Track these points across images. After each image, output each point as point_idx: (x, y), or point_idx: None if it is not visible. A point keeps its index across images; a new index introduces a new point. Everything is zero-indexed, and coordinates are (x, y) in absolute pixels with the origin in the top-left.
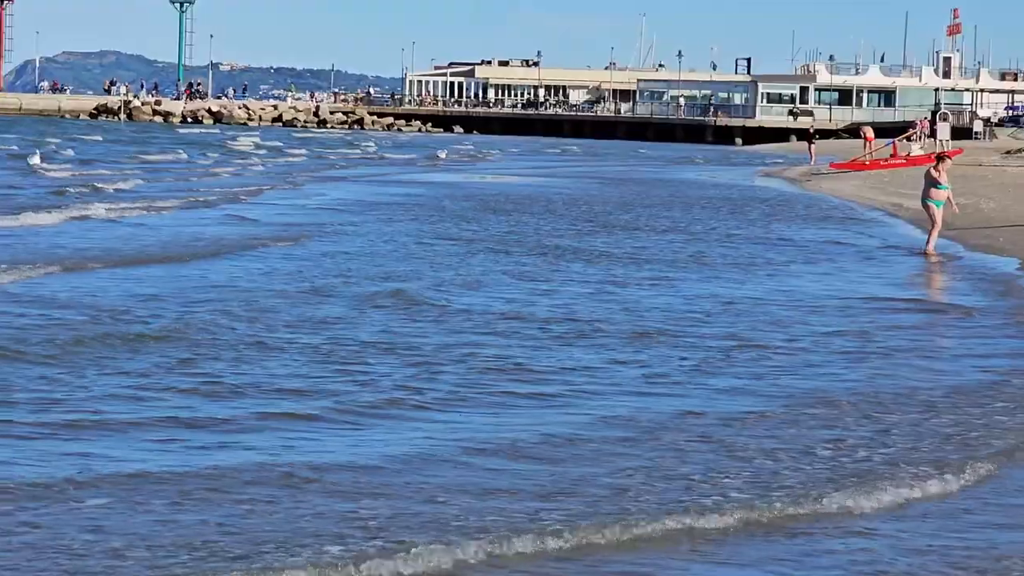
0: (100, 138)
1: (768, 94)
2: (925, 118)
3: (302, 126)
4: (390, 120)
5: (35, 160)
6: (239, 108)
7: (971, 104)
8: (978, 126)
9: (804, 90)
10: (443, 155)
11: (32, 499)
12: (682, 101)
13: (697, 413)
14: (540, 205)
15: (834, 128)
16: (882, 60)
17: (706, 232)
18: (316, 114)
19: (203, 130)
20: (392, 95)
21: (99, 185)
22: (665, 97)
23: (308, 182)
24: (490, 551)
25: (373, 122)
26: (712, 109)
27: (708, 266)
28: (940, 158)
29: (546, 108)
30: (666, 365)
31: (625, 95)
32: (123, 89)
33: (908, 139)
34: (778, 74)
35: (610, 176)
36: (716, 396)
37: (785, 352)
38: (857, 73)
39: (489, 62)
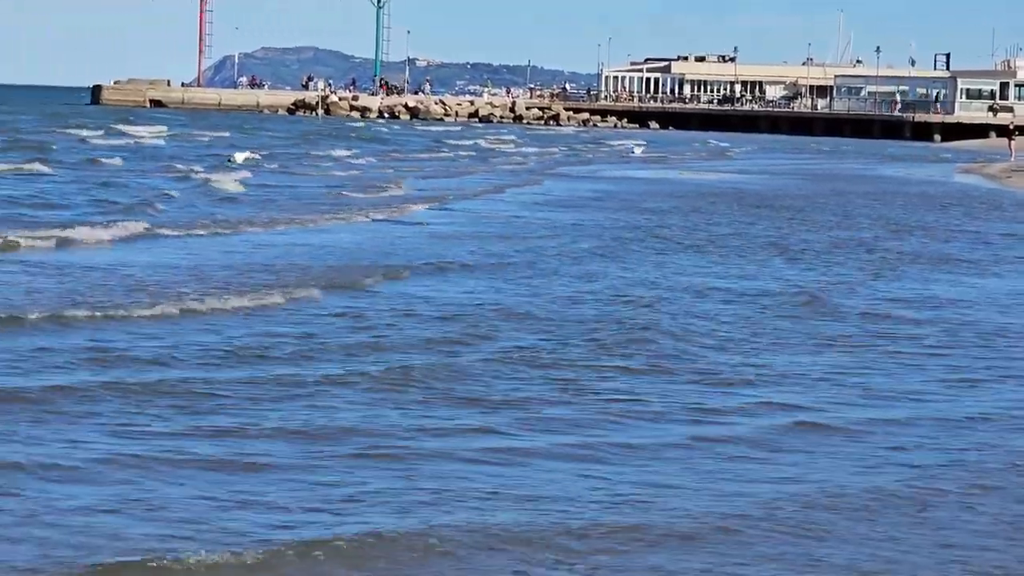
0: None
1: (967, 90)
2: None
3: (498, 122)
4: (585, 116)
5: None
6: (435, 104)
7: None
8: None
9: (1004, 86)
10: (690, 153)
11: None
12: (879, 97)
13: None
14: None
15: None
16: None
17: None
18: (512, 110)
19: (443, 128)
20: (588, 91)
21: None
22: (862, 93)
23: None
24: None
25: (568, 118)
26: (910, 105)
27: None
28: None
29: (742, 104)
30: None
31: (822, 91)
32: (320, 84)
33: None
34: (977, 69)
35: (814, 172)
36: None
37: None
38: None
39: (685, 58)
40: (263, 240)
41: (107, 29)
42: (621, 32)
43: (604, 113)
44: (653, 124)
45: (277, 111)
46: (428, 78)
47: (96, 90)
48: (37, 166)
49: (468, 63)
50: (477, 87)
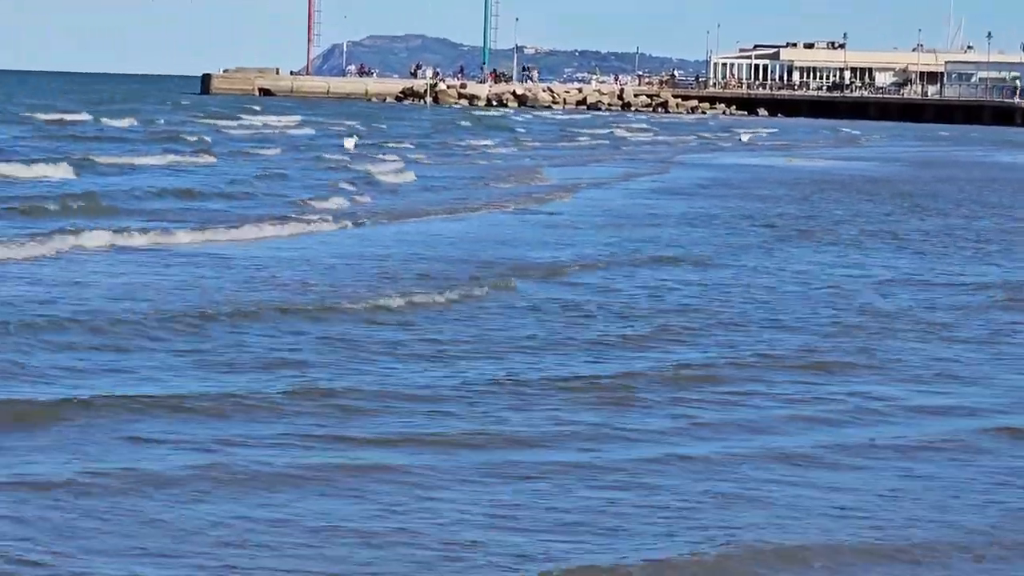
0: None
1: None
2: None
3: (606, 109)
4: (694, 103)
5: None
6: (543, 91)
7: None
8: None
9: None
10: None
11: None
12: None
13: None
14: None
15: None
16: None
17: None
18: (620, 97)
19: (572, 116)
20: (696, 78)
21: None
22: (973, 79)
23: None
24: None
25: (677, 105)
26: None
27: None
28: None
29: (851, 91)
30: None
31: (932, 77)
32: (429, 73)
33: None
34: None
35: (926, 159)
36: None
37: None
38: None
39: (794, 44)
40: (439, 229)
41: (216, 18)
42: (730, 18)
43: (712, 100)
44: (762, 111)
45: (385, 99)
46: (535, 66)
47: (205, 79)
48: (206, 157)
49: (576, 50)
50: (585, 74)
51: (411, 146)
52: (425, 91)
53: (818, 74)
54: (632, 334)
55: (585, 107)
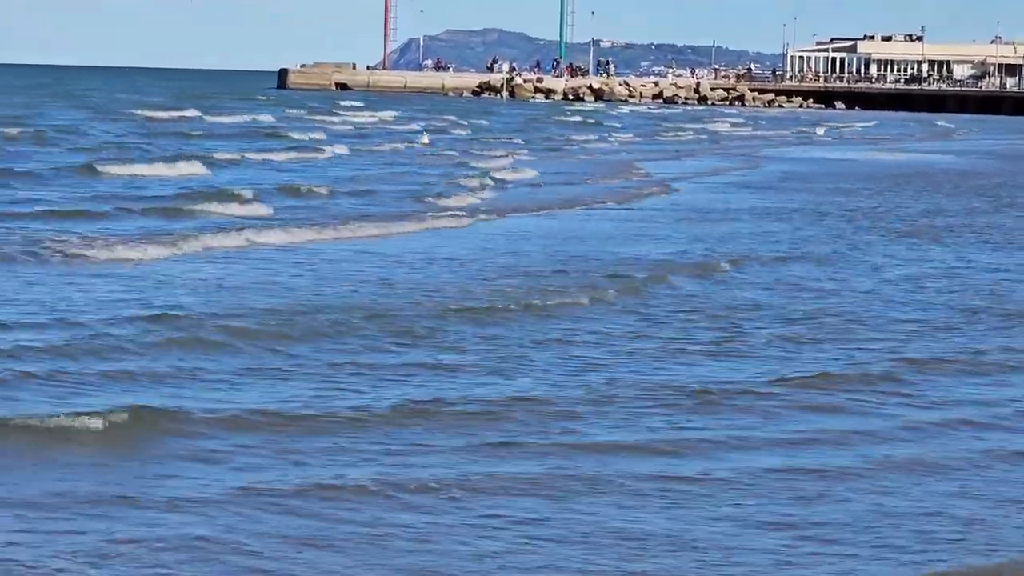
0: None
1: None
2: None
3: (682, 103)
4: (771, 96)
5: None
6: (620, 85)
7: None
8: None
9: None
10: None
11: None
12: None
13: None
14: None
15: None
16: None
17: None
18: (696, 91)
19: (668, 110)
20: (773, 71)
21: None
22: None
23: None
24: None
25: (754, 98)
26: None
27: None
28: None
29: (929, 84)
30: None
31: (1011, 69)
32: (505, 67)
33: None
34: None
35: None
36: None
37: None
38: None
39: (872, 37)
40: (571, 224)
41: (293, 13)
42: (807, 11)
43: (789, 93)
44: (839, 104)
45: (462, 94)
46: (613, 60)
47: (282, 74)
48: (323, 152)
49: (652, 44)
50: (661, 68)
51: (520, 142)
52: (501, 85)
53: (895, 67)
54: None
55: (661, 101)
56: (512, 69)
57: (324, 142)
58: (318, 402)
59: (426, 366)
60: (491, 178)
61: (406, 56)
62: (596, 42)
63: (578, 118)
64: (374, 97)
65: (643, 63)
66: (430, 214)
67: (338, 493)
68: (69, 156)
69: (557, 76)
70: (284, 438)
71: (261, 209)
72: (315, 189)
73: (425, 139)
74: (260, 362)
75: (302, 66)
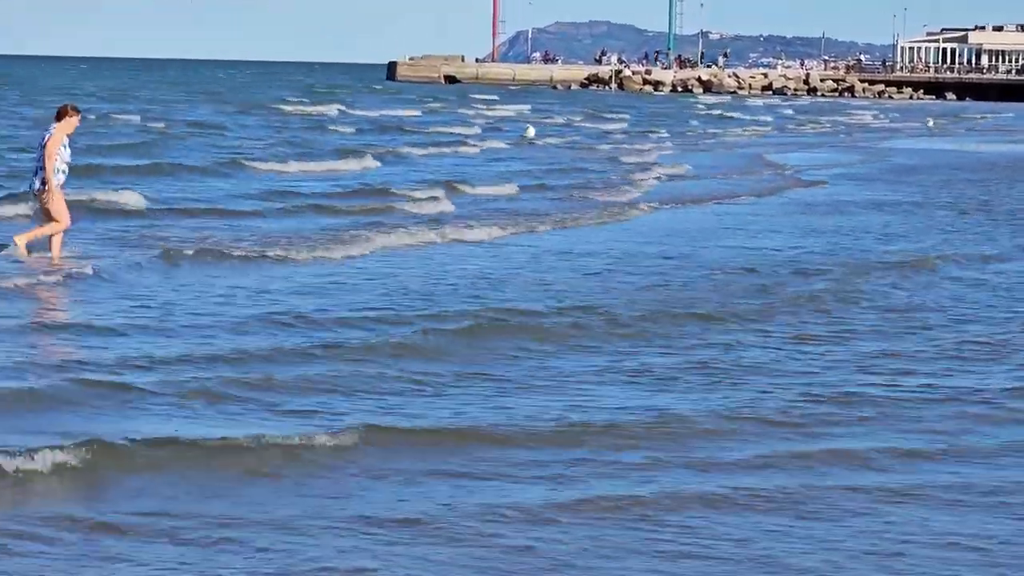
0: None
1: None
2: None
3: (792, 94)
4: (880, 87)
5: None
6: (729, 77)
7: None
8: None
9: None
10: None
11: None
12: None
13: None
14: None
15: None
16: None
17: None
18: (806, 82)
19: (795, 103)
20: (883, 62)
21: None
22: None
23: None
24: None
25: (864, 89)
26: None
27: None
28: None
29: None
30: None
31: None
32: (614, 59)
33: None
34: None
35: None
36: None
37: None
38: None
39: (983, 27)
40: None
41: (402, 6)
42: (917, 1)
43: (899, 84)
44: (949, 95)
45: (570, 86)
46: (727, 50)
47: (391, 66)
48: (493, 143)
49: (761, 35)
50: (770, 59)
51: (665, 134)
52: (610, 77)
53: (1007, 57)
54: None
55: (771, 92)
56: (620, 61)
57: (478, 136)
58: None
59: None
60: (648, 171)
61: (514, 48)
62: (705, 34)
63: (712, 111)
64: (502, 90)
65: (752, 54)
66: (605, 209)
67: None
68: (230, 152)
69: (665, 68)
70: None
71: (445, 205)
72: (488, 184)
73: (576, 136)
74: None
75: (411, 59)
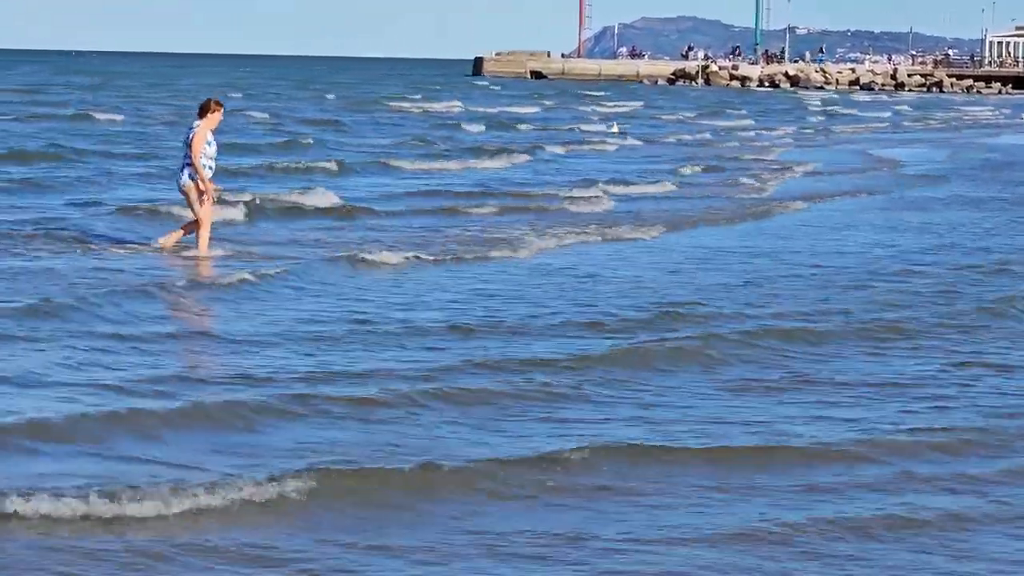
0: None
1: None
2: None
3: (880, 89)
4: (968, 82)
5: None
6: (816, 72)
7: None
8: None
9: None
10: None
11: None
12: None
13: None
14: None
15: None
16: None
17: None
18: (893, 77)
19: (901, 99)
20: (971, 57)
21: None
22: None
23: None
24: None
25: (952, 84)
26: None
27: None
28: None
29: None
30: None
31: None
32: (700, 54)
33: None
34: None
35: None
36: None
37: None
38: None
39: None
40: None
41: (488, 2)
42: None
43: (988, 79)
44: None
45: (656, 81)
46: (822, 46)
47: (478, 62)
48: (629, 140)
49: (848, 30)
50: (858, 54)
51: (788, 131)
52: (697, 73)
53: None
54: None
55: (858, 87)
56: (707, 57)
57: (612, 134)
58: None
59: None
60: (783, 166)
61: (600, 44)
62: (792, 29)
63: (827, 107)
64: (609, 86)
65: (839, 49)
66: (757, 206)
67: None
68: (370, 151)
69: (752, 63)
70: None
71: (606, 202)
72: (638, 180)
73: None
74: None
75: (497, 54)
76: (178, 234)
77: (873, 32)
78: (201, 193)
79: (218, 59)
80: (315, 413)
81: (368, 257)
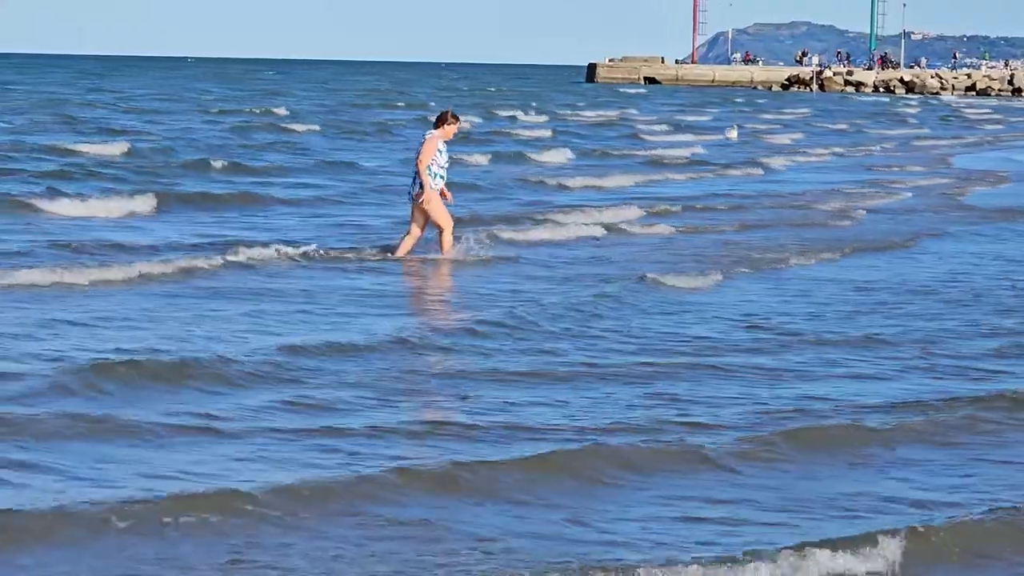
0: None
1: None
2: None
3: (996, 95)
4: None
5: None
6: (931, 77)
7: None
8: None
9: None
10: None
11: None
12: None
13: None
14: None
15: None
16: None
17: None
18: (1010, 82)
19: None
20: None
21: None
22: None
23: None
24: None
25: None
26: None
27: None
28: None
29: None
30: None
31: None
32: (815, 60)
33: None
34: None
35: None
36: None
37: None
38: None
39: None
40: None
41: (602, 7)
42: None
43: None
44: None
45: (771, 87)
46: (955, 52)
47: (591, 68)
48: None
49: (964, 36)
50: (973, 60)
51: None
52: (811, 78)
53: None
54: None
55: (975, 93)
56: (820, 64)
57: (805, 143)
58: None
59: None
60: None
61: (714, 50)
62: (907, 34)
63: (984, 115)
64: (760, 93)
65: (957, 54)
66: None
67: None
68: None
69: (867, 68)
70: None
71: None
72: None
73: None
74: None
75: (610, 60)
76: (411, 242)
77: (989, 37)
78: (432, 199)
79: (362, 65)
80: None
81: None
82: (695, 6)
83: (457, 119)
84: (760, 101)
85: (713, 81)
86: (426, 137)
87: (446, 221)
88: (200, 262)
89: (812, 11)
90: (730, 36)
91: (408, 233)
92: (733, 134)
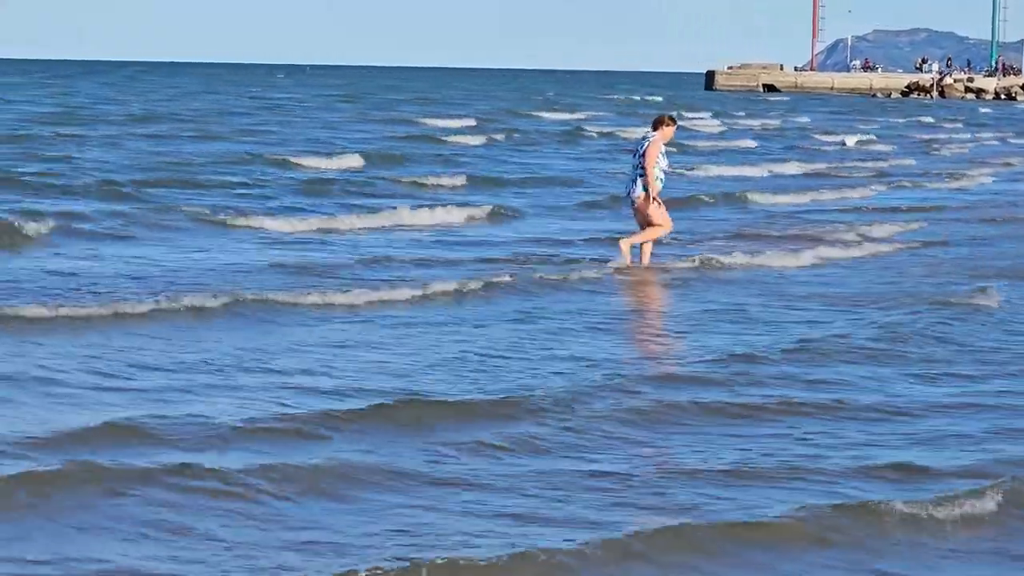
0: None
1: None
2: None
3: None
4: None
5: None
6: None
7: None
8: None
9: None
10: None
11: None
12: None
13: None
14: None
15: None
16: None
17: None
18: None
19: None
20: None
21: None
22: None
23: None
24: None
25: None
26: None
27: None
28: None
29: None
30: None
31: None
32: (935, 67)
33: None
34: None
35: None
36: None
37: None
38: None
39: None
40: None
41: (722, 14)
42: None
43: None
44: None
45: (890, 95)
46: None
47: (709, 75)
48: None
49: None
50: None
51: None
52: (931, 85)
53: None
54: None
55: None
56: (940, 72)
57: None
58: None
59: None
60: None
61: (832, 57)
62: None
63: None
64: (898, 103)
65: None
66: None
67: None
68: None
69: (988, 75)
70: None
71: None
72: None
73: None
74: None
75: (729, 68)
76: (638, 238)
77: None
78: (653, 202)
79: (462, 72)
80: None
81: None
82: (814, 13)
83: (675, 121)
84: (926, 111)
85: (832, 88)
86: (650, 140)
87: (667, 223)
88: None
89: (932, 18)
90: (849, 43)
91: (650, 232)
92: (851, 141)
